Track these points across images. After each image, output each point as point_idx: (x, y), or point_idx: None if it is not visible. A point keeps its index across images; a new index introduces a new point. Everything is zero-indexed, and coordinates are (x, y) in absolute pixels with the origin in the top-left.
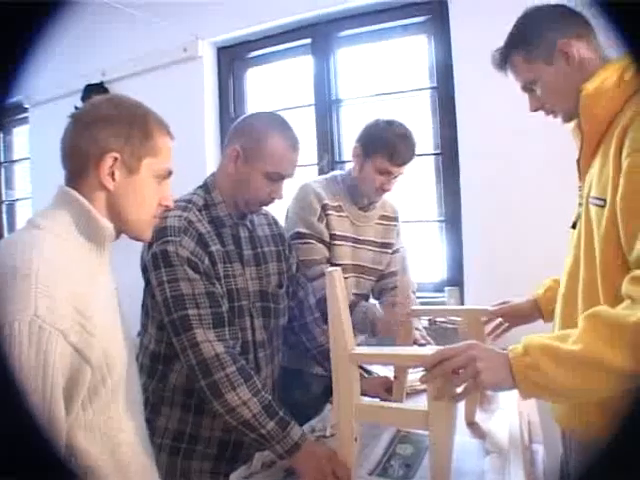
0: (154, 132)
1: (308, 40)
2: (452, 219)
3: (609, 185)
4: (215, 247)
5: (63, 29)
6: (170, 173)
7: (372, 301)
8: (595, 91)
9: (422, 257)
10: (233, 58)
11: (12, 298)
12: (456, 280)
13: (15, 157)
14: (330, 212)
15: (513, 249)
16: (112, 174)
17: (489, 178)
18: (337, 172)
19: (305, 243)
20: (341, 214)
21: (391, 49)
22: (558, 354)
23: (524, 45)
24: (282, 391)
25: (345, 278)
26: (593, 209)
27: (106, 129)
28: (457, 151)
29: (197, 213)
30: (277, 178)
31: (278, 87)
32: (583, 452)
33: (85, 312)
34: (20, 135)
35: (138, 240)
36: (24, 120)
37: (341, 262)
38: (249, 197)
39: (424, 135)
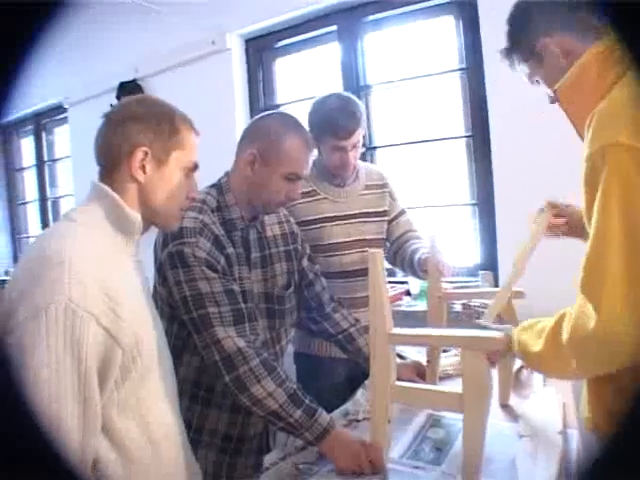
0: (180, 127)
1: (334, 27)
2: (485, 202)
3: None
4: (230, 250)
5: (81, 31)
6: (196, 166)
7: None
8: (573, 83)
9: (455, 241)
10: (261, 49)
11: (46, 285)
12: (490, 264)
13: (57, 156)
14: (300, 200)
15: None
16: (143, 167)
17: (522, 159)
18: None
19: None
20: (316, 197)
21: (418, 32)
22: (527, 351)
23: (516, 48)
24: (308, 379)
25: (344, 255)
26: None
27: (136, 125)
28: (489, 133)
29: (211, 215)
30: (295, 178)
31: (306, 76)
32: (588, 446)
33: (115, 297)
34: (61, 134)
35: (165, 231)
36: (64, 120)
37: (332, 241)
38: (268, 199)
39: (455, 117)
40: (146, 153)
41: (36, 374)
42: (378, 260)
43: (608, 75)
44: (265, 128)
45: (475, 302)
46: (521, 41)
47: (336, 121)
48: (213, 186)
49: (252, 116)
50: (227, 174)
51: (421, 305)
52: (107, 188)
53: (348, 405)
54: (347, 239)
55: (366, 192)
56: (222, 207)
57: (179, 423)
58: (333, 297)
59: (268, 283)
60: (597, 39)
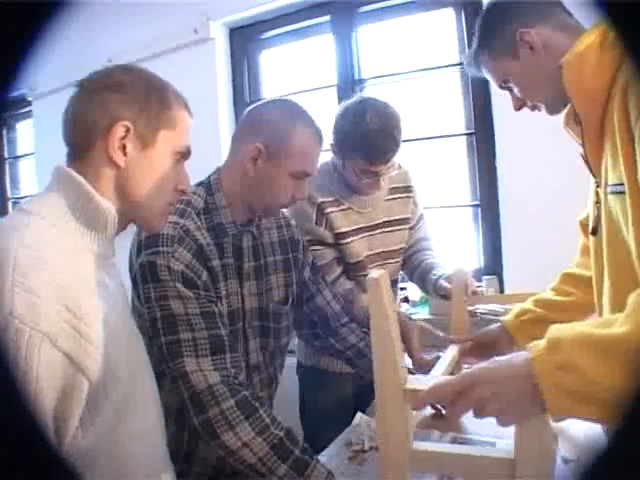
0: (172, 102)
1: (327, 17)
2: (488, 203)
3: (622, 163)
4: (215, 262)
5: (66, 18)
6: (189, 152)
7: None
8: (577, 60)
9: (455, 244)
10: (247, 39)
11: None
12: (494, 269)
13: (19, 153)
14: (329, 210)
15: (555, 234)
16: (123, 148)
17: (527, 157)
18: (329, 158)
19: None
20: (342, 207)
21: (416, 24)
22: (600, 343)
23: (486, 44)
24: (316, 395)
25: (369, 269)
26: (615, 200)
27: (118, 95)
28: (492, 129)
29: (196, 219)
30: (302, 176)
31: (296, 68)
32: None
33: (79, 312)
34: (22, 130)
35: (148, 231)
36: (27, 114)
37: (359, 258)
38: (271, 200)
39: (454, 114)
40: (128, 129)
41: None
42: (382, 287)
43: (612, 49)
44: (272, 118)
45: (481, 309)
46: (500, 30)
47: (375, 146)
48: (201, 184)
49: (236, 111)
50: (218, 170)
51: (421, 312)
52: (72, 171)
53: (348, 433)
54: (371, 252)
55: (390, 197)
56: (211, 209)
57: (167, 469)
58: (342, 310)
59: (263, 297)
60: (577, 36)
